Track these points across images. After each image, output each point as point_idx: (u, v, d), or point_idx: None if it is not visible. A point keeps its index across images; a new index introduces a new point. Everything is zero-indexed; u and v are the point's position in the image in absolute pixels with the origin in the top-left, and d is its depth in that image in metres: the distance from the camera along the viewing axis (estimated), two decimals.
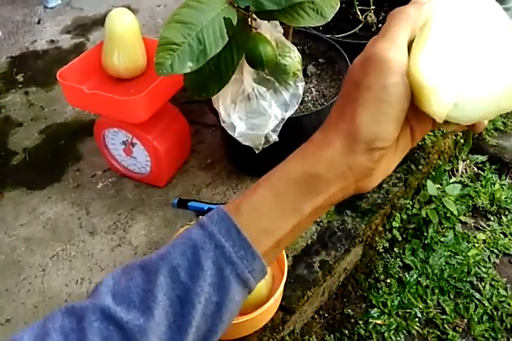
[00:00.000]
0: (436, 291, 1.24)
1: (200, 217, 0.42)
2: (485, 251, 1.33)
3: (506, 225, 1.39)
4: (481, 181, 1.47)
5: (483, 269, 1.29)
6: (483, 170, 1.50)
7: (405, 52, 0.41)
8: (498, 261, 1.32)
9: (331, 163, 0.40)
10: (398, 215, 1.27)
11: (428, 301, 1.22)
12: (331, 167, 0.40)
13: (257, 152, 0.96)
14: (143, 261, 0.42)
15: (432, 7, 0.42)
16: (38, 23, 1.72)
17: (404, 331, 1.17)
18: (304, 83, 0.96)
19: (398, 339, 1.16)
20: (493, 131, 1.52)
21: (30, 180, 1.23)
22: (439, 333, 1.17)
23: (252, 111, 0.93)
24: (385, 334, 1.16)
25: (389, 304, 1.21)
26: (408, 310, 1.21)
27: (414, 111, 0.41)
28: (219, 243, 0.40)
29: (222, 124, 0.95)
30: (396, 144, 0.43)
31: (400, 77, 0.39)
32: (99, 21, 1.71)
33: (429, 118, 0.41)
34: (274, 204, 0.41)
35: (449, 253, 1.32)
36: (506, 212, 1.42)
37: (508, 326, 1.18)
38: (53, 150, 1.30)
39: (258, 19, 0.81)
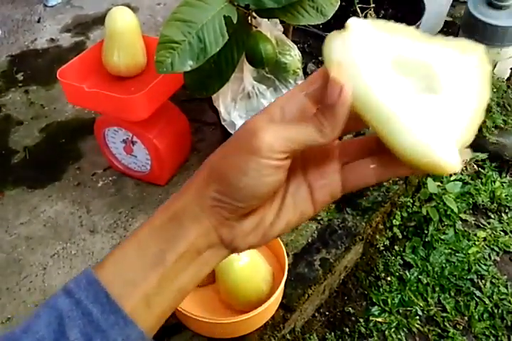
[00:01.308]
0: (437, 289, 1.25)
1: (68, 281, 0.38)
2: (485, 248, 1.33)
3: (507, 223, 1.39)
4: (482, 179, 1.47)
5: (484, 267, 1.29)
6: (484, 168, 1.50)
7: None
8: (498, 258, 1.32)
9: (184, 206, 0.37)
10: (399, 213, 1.27)
11: (429, 299, 1.23)
12: (184, 210, 0.37)
13: None
14: (5, 336, 0.38)
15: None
16: (38, 21, 1.72)
17: (404, 329, 1.18)
18: None
19: (399, 337, 1.16)
20: (493, 128, 1.51)
21: (31, 179, 1.23)
22: (439, 331, 1.18)
23: (252, 109, 0.93)
24: (386, 332, 1.17)
25: (389, 302, 1.21)
26: (409, 308, 1.21)
27: (317, 169, 0.39)
28: (86, 310, 0.36)
29: (223, 122, 0.95)
30: (278, 210, 0.38)
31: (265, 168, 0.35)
32: (100, 20, 1.71)
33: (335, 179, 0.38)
34: (136, 254, 0.37)
35: (450, 251, 1.32)
36: (507, 210, 1.42)
37: (509, 323, 1.19)
38: (54, 149, 1.30)
39: (258, 17, 0.81)
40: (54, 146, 1.31)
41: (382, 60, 0.36)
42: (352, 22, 0.37)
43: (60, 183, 1.22)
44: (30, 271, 1.04)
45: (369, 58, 0.36)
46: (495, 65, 1.51)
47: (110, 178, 1.22)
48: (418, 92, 0.35)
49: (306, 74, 1.06)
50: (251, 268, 0.87)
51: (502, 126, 1.51)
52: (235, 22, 0.76)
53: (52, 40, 1.65)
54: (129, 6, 1.03)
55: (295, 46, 0.93)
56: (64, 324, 0.36)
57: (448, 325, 1.18)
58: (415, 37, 0.37)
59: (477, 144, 1.52)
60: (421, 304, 1.21)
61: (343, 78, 0.34)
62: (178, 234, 0.37)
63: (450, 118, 0.35)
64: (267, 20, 0.85)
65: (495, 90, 1.51)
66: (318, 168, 0.39)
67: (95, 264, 0.38)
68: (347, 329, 1.16)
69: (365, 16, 1.20)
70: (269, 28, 0.86)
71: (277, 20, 0.90)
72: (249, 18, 0.79)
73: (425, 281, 1.26)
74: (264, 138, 0.34)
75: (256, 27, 0.82)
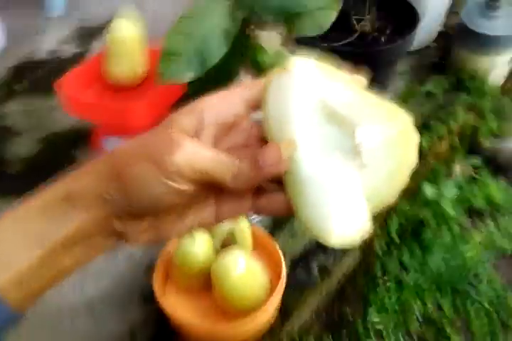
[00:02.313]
0: (434, 290, 1.26)
1: None
2: (482, 251, 1.35)
3: (503, 226, 1.41)
4: (477, 183, 1.49)
5: (481, 269, 1.31)
6: (479, 173, 1.51)
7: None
8: (494, 261, 1.34)
9: (82, 189, 0.34)
10: (396, 217, 1.28)
11: (426, 300, 1.24)
12: (81, 192, 0.34)
13: None
14: None
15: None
16: (39, 33, 1.73)
17: (402, 329, 1.19)
18: None
19: (396, 337, 1.17)
20: (488, 134, 1.54)
21: (27, 190, 1.22)
22: (437, 331, 1.19)
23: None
24: (383, 333, 1.18)
25: (387, 302, 1.22)
26: (406, 308, 1.22)
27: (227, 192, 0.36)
28: None
29: None
30: (176, 216, 0.36)
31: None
32: (100, 32, 1.71)
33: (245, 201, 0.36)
34: (13, 230, 0.34)
35: (447, 254, 1.33)
36: (502, 213, 1.44)
37: (505, 322, 1.20)
38: (51, 160, 1.30)
39: (257, 29, 0.82)
40: (52, 157, 1.31)
41: (312, 110, 0.35)
42: (293, 63, 0.36)
43: None
44: None
45: (299, 108, 0.35)
46: (488, 73, 1.54)
47: None
48: (337, 151, 0.34)
49: None
50: (248, 275, 0.86)
51: (496, 131, 1.53)
52: (234, 34, 0.77)
53: (52, 51, 1.66)
54: (132, 16, 1.05)
55: None
56: None
57: (445, 325, 1.19)
58: (353, 90, 0.36)
59: (472, 149, 1.54)
60: (418, 304, 1.23)
61: (285, 154, 0.33)
62: (67, 216, 0.34)
63: (361, 183, 0.34)
64: (265, 31, 0.87)
65: (489, 97, 1.53)
66: (231, 194, 0.36)
67: None
68: (344, 331, 1.16)
69: (361, 28, 1.22)
70: (268, 40, 0.88)
71: (276, 32, 0.91)
72: (248, 29, 0.81)
73: (423, 284, 1.27)
74: (176, 158, 0.32)
75: (255, 39, 0.83)
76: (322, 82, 0.35)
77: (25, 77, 1.56)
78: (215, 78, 0.85)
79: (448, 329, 1.18)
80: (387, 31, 1.30)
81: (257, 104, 0.36)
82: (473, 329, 1.19)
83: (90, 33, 1.74)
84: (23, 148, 1.34)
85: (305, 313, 1.08)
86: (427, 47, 1.66)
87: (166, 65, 0.76)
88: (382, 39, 1.30)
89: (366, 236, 0.35)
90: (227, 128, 0.37)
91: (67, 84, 1.04)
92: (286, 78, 0.35)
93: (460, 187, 1.45)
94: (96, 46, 1.66)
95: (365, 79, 0.38)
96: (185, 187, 0.33)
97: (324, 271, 1.04)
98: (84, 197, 0.34)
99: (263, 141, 0.36)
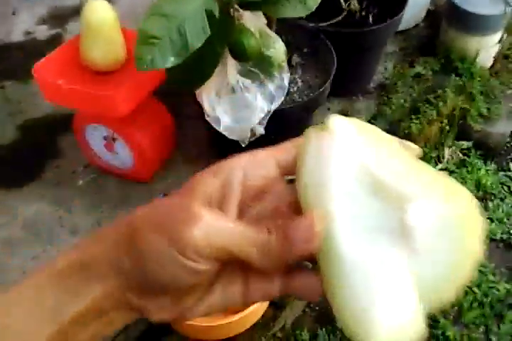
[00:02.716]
0: None
1: None
2: None
3: (493, 210, 1.39)
4: (467, 167, 1.47)
5: None
6: (469, 156, 1.49)
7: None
8: (485, 246, 1.32)
9: (97, 258, 0.32)
10: None
11: None
12: (97, 262, 0.32)
13: (243, 145, 0.94)
14: None
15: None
16: (13, 14, 1.67)
17: None
18: (289, 74, 0.94)
19: None
20: (477, 117, 1.51)
21: (8, 178, 1.19)
22: (430, 321, 1.17)
23: (237, 104, 0.91)
24: None
25: None
26: None
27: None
28: None
29: (207, 118, 0.93)
30: (200, 295, 0.33)
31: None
32: (77, 11, 1.64)
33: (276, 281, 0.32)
34: (29, 304, 0.32)
35: None
36: (492, 197, 1.42)
37: (498, 312, 1.19)
38: (31, 147, 1.27)
39: (241, 10, 0.78)
40: (31, 144, 1.27)
41: (354, 179, 0.30)
42: (334, 122, 0.32)
43: (39, 182, 1.18)
44: (9, 275, 1.00)
45: (340, 173, 0.30)
46: (477, 54, 1.50)
47: (91, 176, 1.18)
48: (382, 229, 0.29)
49: (290, 66, 1.04)
50: None
51: (486, 114, 1.50)
52: (217, 15, 0.73)
53: (28, 33, 1.60)
54: None
55: (279, 38, 0.90)
56: None
57: (438, 315, 1.18)
58: (399, 157, 0.31)
59: (462, 132, 1.52)
60: None
61: (318, 226, 0.29)
62: (82, 288, 0.32)
63: (412, 274, 0.29)
64: (249, 12, 0.82)
65: (479, 79, 1.50)
66: (259, 272, 0.32)
67: None
68: (338, 324, 1.15)
69: (349, 6, 1.18)
70: (252, 21, 0.83)
71: (260, 13, 0.87)
72: (232, 10, 0.77)
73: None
74: (193, 234, 0.29)
75: (239, 20, 0.79)
76: (366, 147, 0.31)
77: (1, 60, 1.51)
78: (197, 63, 0.80)
79: (441, 321, 1.17)
80: (375, 10, 1.26)
81: (292, 168, 0.33)
82: (466, 321, 1.17)
83: (67, 13, 1.67)
84: (1, 134, 1.30)
85: (298, 305, 1.06)
86: (416, 26, 1.62)
87: (145, 49, 0.72)
88: (370, 19, 1.26)
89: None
90: (256, 193, 0.33)
91: (44, 69, 0.99)
92: (326, 140, 0.31)
93: (450, 172, 1.43)
94: (73, 27, 1.60)
95: (418, 148, 0.33)
96: (203, 266, 0.30)
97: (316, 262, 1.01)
98: (97, 267, 0.31)
99: (296, 208, 0.32)
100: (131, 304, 0.32)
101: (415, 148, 0.33)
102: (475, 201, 0.30)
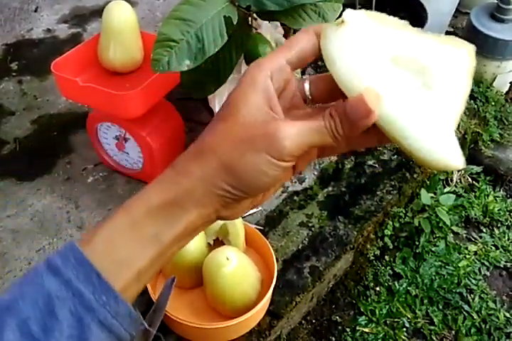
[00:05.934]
0: (425, 301, 1.23)
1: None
2: (476, 262, 1.32)
3: (498, 237, 1.38)
4: (475, 192, 1.46)
5: (473, 281, 1.28)
6: (478, 181, 1.48)
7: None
8: (488, 273, 1.31)
9: (189, 190, 0.38)
10: (390, 223, 1.25)
11: (416, 311, 1.21)
12: (189, 195, 0.37)
13: None
14: None
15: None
16: (35, 11, 1.70)
17: (391, 340, 1.16)
18: None
19: None
20: (489, 142, 1.50)
21: (20, 171, 1.21)
22: None
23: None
24: None
25: (377, 312, 1.19)
26: (396, 319, 1.20)
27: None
28: (77, 290, 0.35)
29: None
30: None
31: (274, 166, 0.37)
32: (98, 12, 1.68)
33: (314, 149, 0.41)
34: (130, 233, 0.37)
35: (440, 263, 1.30)
36: (499, 224, 1.41)
37: (496, 339, 1.17)
38: (45, 141, 1.28)
39: (259, 19, 0.79)
40: (45, 139, 1.29)
41: (379, 57, 0.37)
42: (348, 15, 0.37)
43: (50, 177, 1.19)
44: (15, 265, 1.02)
45: (367, 57, 0.37)
46: (494, 78, 1.50)
47: (100, 174, 1.19)
48: (416, 90, 0.37)
49: None
50: (239, 274, 0.85)
51: (498, 139, 1.50)
52: (235, 23, 0.74)
53: (48, 30, 1.62)
54: (127, 0, 1.01)
55: None
56: (53, 304, 0.35)
57: (435, 339, 1.17)
58: (408, 31, 0.38)
59: (472, 157, 1.51)
60: (408, 316, 1.20)
61: (372, 104, 0.35)
62: (177, 216, 0.38)
63: (445, 113, 0.37)
64: (267, 22, 0.83)
65: (493, 103, 1.50)
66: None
67: (81, 239, 0.38)
68: (333, 338, 1.14)
69: None
70: (270, 30, 0.84)
71: (278, 23, 0.88)
72: (250, 19, 0.78)
73: (414, 293, 1.24)
74: (285, 143, 0.36)
75: (256, 29, 0.80)
76: (379, 29, 0.38)
77: (20, 56, 1.53)
78: (212, 69, 0.81)
79: None
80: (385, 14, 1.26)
81: (298, 64, 0.39)
82: None
83: (88, 13, 1.70)
84: (16, 128, 1.32)
85: (294, 317, 1.05)
86: None
87: (162, 52, 0.73)
88: None
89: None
90: (280, 92, 0.39)
91: (62, 65, 1.00)
92: (345, 30, 0.37)
93: (457, 196, 1.42)
94: (93, 27, 1.63)
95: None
96: (292, 163, 0.38)
97: (315, 274, 1.01)
98: (192, 198, 0.37)
99: (304, 99, 0.41)
100: (219, 216, 0.39)
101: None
102: (474, 48, 0.38)
